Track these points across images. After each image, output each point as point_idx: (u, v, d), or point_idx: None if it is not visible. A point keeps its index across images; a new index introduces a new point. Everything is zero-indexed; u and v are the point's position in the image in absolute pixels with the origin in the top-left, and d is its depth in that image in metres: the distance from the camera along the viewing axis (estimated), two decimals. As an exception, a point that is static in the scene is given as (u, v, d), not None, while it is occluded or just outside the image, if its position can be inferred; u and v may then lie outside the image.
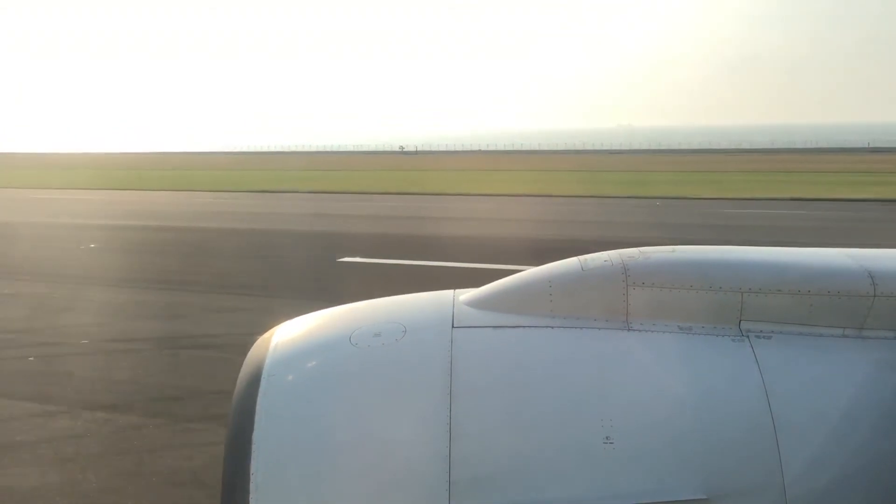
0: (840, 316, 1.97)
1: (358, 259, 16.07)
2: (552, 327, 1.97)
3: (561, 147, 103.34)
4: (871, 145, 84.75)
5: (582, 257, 2.15)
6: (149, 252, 17.96)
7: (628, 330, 1.96)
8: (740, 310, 1.97)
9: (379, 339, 1.95)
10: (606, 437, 1.75)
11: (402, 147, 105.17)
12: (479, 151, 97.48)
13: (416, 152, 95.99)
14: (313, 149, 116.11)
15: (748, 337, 1.94)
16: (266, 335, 2.10)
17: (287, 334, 2.07)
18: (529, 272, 2.16)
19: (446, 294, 2.20)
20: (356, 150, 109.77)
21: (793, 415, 1.81)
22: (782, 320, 1.97)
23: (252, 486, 1.71)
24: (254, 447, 1.74)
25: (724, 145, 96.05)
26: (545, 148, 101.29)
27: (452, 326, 1.97)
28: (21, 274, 15.27)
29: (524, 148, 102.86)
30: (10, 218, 25.78)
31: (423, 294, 2.27)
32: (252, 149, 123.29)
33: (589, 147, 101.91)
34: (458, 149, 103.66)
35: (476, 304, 2.09)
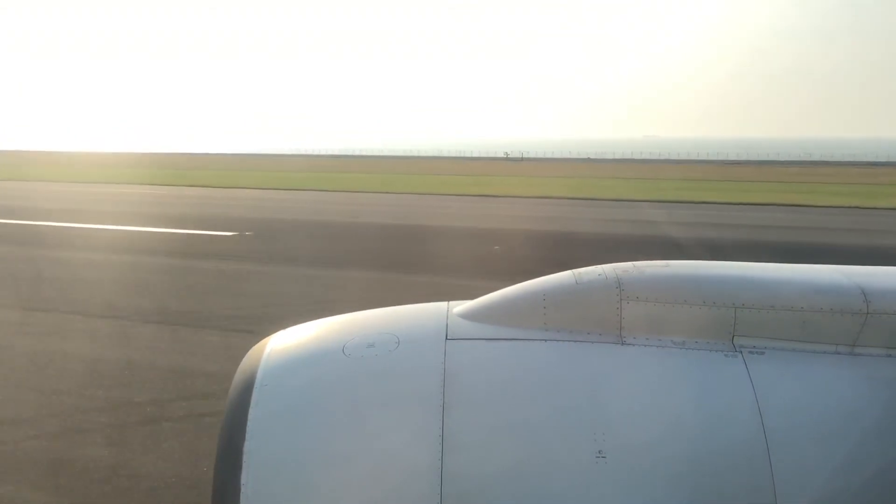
0: (833, 333, 1.97)
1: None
2: (546, 340, 1.97)
3: (625, 156, 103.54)
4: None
5: (576, 271, 2.15)
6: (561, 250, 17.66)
7: (622, 344, 1.96)
8: (734, 325, 1.97)
9: (372, 349, 1.95)
10: (599, 452, 1.75)
11: (507, 153, 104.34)
12: (571, 160, 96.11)
13: (522, 159, 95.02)
14: (387, 152, 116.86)
15: (741, 352, 1.94)
16: (259, 345, 2.10)
17: (280, 344, 2.07)
18: (523, 285, 2.17)
19: (440, 306, 2.21)
20: (459, 155, 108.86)
21: (785, 430, 1.81)
22: (775, 336, 1.97)
23: (243, 498, 1.71)
24: (245, 458, 1.74)
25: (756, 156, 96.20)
26: (617, 157, 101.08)
27: (446, 338, 1.98)
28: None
29: (598, 157, 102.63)
30: (333, 218, 25.32)
31: (417, 305, 2.28)
32: (316, 151, 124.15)
33: (641, 157, 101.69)
34: (549, 156, 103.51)
35: (470, 316, 2.10)
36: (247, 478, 1.72)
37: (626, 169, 67.74)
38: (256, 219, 23.57)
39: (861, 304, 1.97)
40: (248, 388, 1.88)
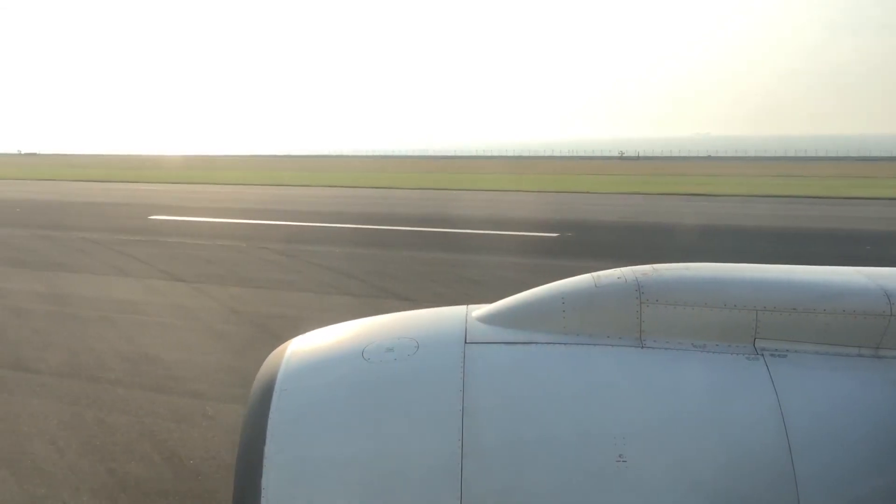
0: (856, 335, 1.94)
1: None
2: (565, 344, 1.97)
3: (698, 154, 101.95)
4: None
5: (595, 274, 2.14)
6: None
7: (642, 347, 1.95)
8: (755, 328, 1.95)
9: (392, 354, 1.96)
10: (619, 456, 1.74)
11: (622, 153, 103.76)
12: (690, 158, 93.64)
13: (638, 158, 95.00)
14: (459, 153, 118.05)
15: (763, 355, 1.93)
16: (279, 349, 2.11)
17: (300, 348, 2.09)
18: (542, 288, 2.16)
19: (459, 310, 2.21)
20: (570, 155, 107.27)
21: (808, 434, 1.78)
22: (797, 339, 1.95)
23: (263, 502, 1.72)
24: (265, 462, 1.75)
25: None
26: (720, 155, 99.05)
27: (465, 342, 1.98)
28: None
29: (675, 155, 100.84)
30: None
31: (437, 309, 2.28)
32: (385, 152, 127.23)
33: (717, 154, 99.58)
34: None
35: (489, 320, 2.09)
36: (267, 482, 1.74)
37: (768, 167, 64.07)
38: (550, 220, 22.82)
39: (885, 305, 1.94)
40: (268, 392, 1.90)
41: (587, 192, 36.02)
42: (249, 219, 23.43)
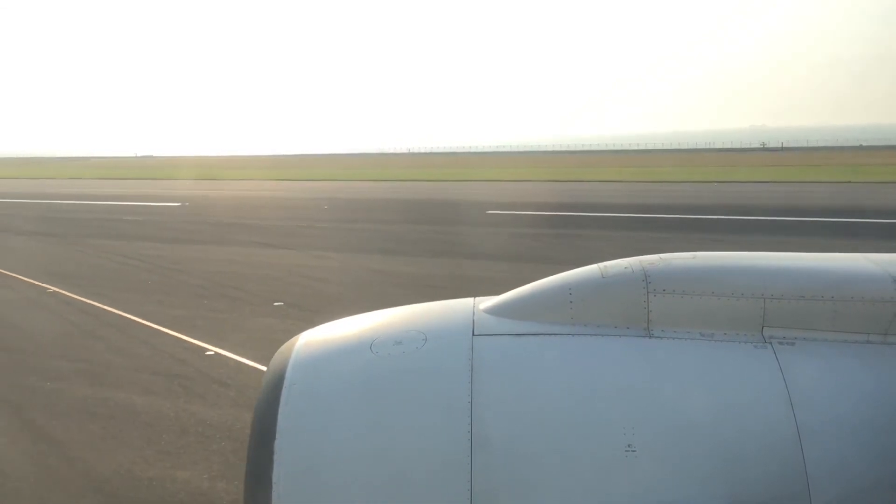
0: (864, 322, 1.93)
1: None
2: (572, 335, 1.96)
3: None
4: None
5: (602, 264, 2.14)
6: None
7: (649, 337, 1.94)
8: (763, 316, 1.94)
9: (400, 347, 1.96)
10: (629, 445, 1.74)
11: (763, 144, 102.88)
12: (836, 148, 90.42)
13: (783, 149, 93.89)
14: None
15: (771, 343, 1.92)
16: (288, 343, 2.11)
17: (309, 343, 2.08)
18: (549, 280, 2.15)
19: (466, 302, 2.20)
20: (706, 147, 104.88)
21: (817, 421, 1.77)
22: (805, 326, 1.94)
23: (274, 495, 1.72)
24: (276, 456, 1.76)
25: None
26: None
27: (473, 334, 1.98)
28: None
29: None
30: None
31: (444, 302, 2.27)
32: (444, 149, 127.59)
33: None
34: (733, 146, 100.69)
35: (496, 311, 2.09)
36: (278, 475, 1.74)
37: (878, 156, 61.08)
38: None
39: (893, 292, 1.92)
40: (277, 386, 1.90)
41: (812, 182, 35.79)
42: (582, 212, 24.22)
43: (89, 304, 11.93)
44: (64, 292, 12.91)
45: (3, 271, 15.13)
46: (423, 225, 22.71)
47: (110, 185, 46.96)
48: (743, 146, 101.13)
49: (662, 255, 2.13)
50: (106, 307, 11.52)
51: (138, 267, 15.85)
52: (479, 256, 15.94)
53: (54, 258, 17.39)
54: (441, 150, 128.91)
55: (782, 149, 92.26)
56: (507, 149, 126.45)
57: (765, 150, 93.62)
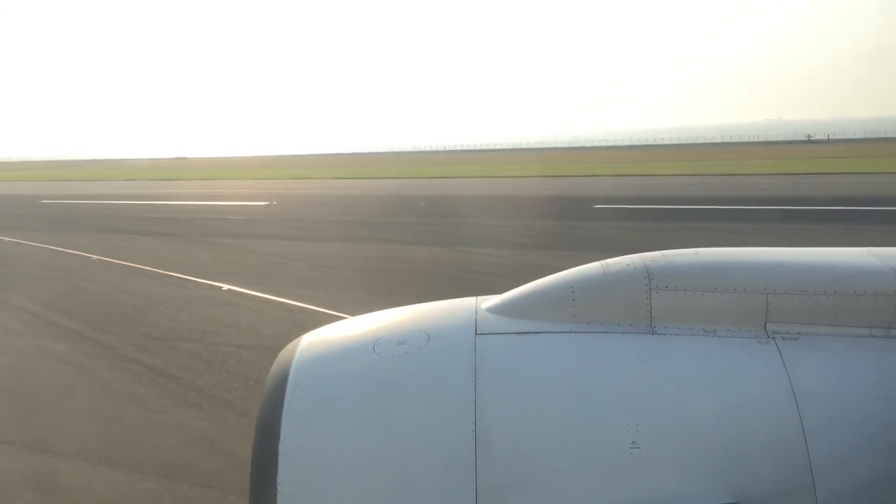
0: (867, 316, 1.90)
1: None
2: (575, 333, 1.97)
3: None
4: None
5: (604, 262, 2.13)
6: None
7: (652, 334, 1.94)
8: (766, 312, 1.92)
9: (403, 347, 1.98)
10: (633, 443, 1.74)
11: (808, 136, 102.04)
12: (885, 139, 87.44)
13: (829, 140, 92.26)
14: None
15: (774, 339, 1.90)
16: (290, 345, 2.14)
17: (311, 344, 2.11)
18: (551, 278, 2.15)
19: (468, 301, 2.22)
20: (715, 141, 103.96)
21: (821, 416, 1.76)
22: (808, 321, 1.91)
23: (279, 497, 1.75)
24: (280, 458, 1.79)
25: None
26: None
27: (476, 333, 1.99)
28: None
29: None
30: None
31: (446, 301, 2.29)
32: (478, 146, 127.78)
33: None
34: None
35: (498, 310, 2.10)
36: (283, 477, 1.77)
37: None
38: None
39: None
40: (280, 388, 1.93)
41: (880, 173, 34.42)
42: (706, 205, 23.81)
43: (283, 302, 11.53)
44: (240, 289, 12.55)
45: (164, 271, 14.86)
46: (549, 220, 21.83)
47: (172, 186, 46.23)
48: (774, 139, 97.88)
49: (664, 252, 2.12)
50: (307, 305, 11.13)
51: (295, 266, 15.23)
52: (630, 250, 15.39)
53: (194, 257, 17.01)
54: (440, 148, 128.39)
55: (829, 140, 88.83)
56: (514, 146, 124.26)
57: (810, 142, 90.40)
